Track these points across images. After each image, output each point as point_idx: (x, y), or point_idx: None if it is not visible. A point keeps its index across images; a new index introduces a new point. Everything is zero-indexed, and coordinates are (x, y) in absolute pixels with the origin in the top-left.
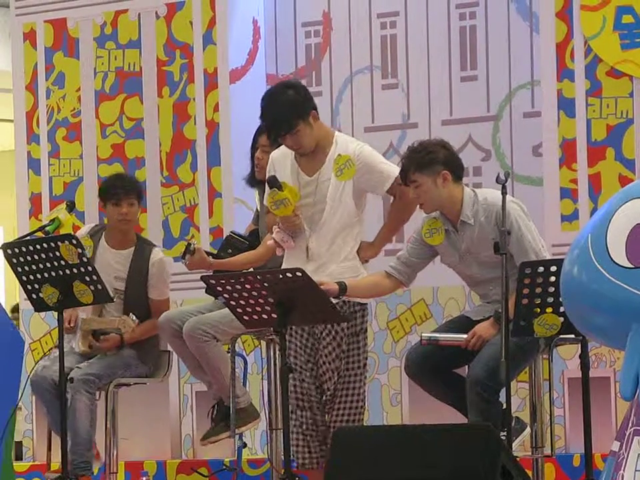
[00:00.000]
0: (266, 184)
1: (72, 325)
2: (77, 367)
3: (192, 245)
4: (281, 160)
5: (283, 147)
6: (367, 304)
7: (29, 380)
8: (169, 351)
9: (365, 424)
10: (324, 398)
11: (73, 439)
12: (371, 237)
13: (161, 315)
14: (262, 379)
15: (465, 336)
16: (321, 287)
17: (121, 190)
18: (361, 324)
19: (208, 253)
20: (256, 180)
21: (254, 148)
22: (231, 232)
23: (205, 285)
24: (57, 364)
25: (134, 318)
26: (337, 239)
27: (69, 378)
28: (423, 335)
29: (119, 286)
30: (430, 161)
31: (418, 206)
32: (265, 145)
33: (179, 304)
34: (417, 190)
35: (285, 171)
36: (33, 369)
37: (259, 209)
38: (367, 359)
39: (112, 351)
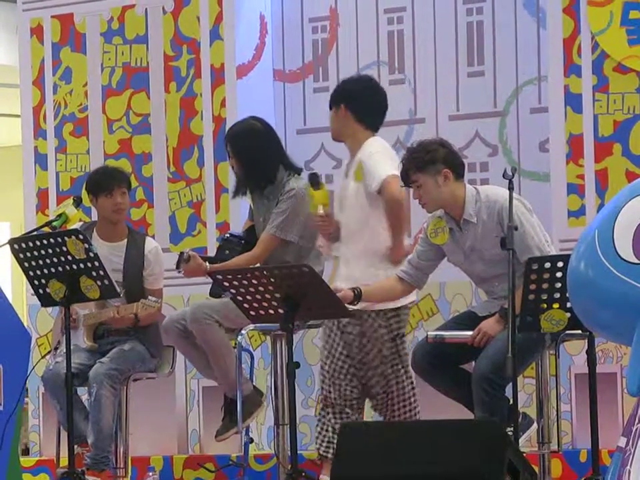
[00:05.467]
0: None
1: (73, 318)
2: (100, 362)
3: (185, 254)
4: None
5: None
6: (401, 307)
7: (40, 377)
8: (173, 346)
9: (372, 419)
10: (375, 402)
11: (96, 434)
12: None
13: (165, 318)
14: (268, 374)
15: (470, 333)
16: (337, 294)
17: (112, 181)
18: (397, 329)
19: (204, 258)
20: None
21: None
22: (227, 233)
23: (212, 280)
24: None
25: (153, 299)
26: (357, 243)
27: (89, 374)
28: (429, 333)
29: (117, 277)
30: (430, 160)
31: (420, 206)
32: (229, 151)
33: (186, 299)
34: (418, 190)
35: (342, 174)
36: (36, 364)
37: (252, 207)
38: (407, 360)
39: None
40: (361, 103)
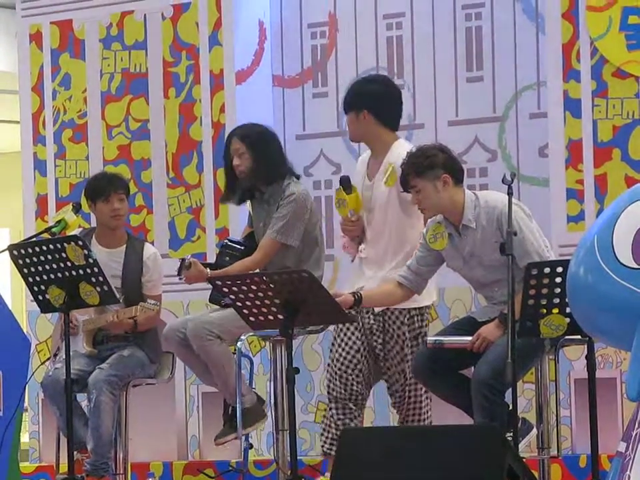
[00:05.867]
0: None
1: (74, 324)
2: (99, 368)
3: (187, 260)
4: (360, 163)
5: (367, 150)
6: (424, 307)
7: (40, 383)
8: (172, 352)
9: (371, 424)
10: (394, 399)
11: (96, 440)
12: None
13: (165, 326)
14: (268, 380)
15: (470, 338)
16: (336, 298)
17: (109, 186)
18: (419, 327)
19: (204, 264)
20: (240, 192)
21: (227, 160)
22: (227, 239)
23: (211, 286)
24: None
25: (152, 302)
26: (388, 246)
27: (89, 380)
28: (428, 338)
29: (115, 284)
30: (429, 165)
31: (420, 211)
32: (237, 147)
33: (185, 305)
34: (417, 195)
35: (358, 175)
36: (35, 370)
37: (251, 213)
38: None
39: (120, 331)
40: (383, 106)
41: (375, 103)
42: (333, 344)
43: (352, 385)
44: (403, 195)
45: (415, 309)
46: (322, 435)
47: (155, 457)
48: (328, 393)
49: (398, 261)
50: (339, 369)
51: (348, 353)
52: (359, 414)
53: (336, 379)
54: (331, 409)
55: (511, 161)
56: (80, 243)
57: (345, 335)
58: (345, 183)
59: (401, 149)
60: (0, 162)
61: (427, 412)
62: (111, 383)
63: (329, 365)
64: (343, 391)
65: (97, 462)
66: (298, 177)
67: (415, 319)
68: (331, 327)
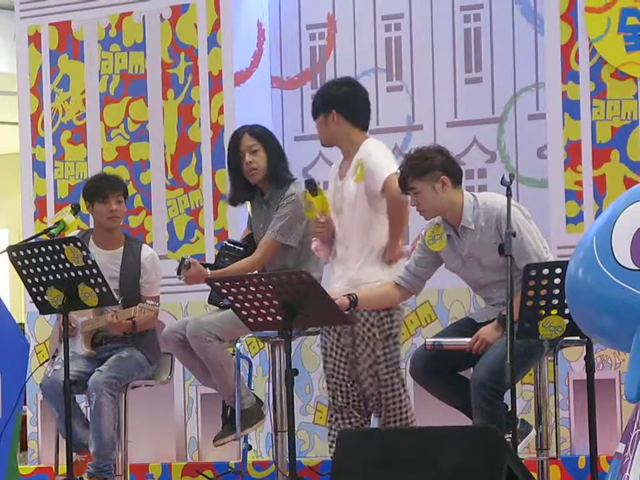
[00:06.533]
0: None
1: (72, 326)
2: (99, 371)
3: (186, 260)
4: (332, 170)
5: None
6: (394, 308)
7: (39, 385)
8: (171, 353)
9: (370, 426)
10: (371, 403)
11: (97, 442)
12: None
13: (164, 328)
14: (267, 381)
15: (469, 340)
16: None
17: (107, 188)
18: (389, 329)
19: (204, 265)
20: (245, 192)
21: (235, 159)
22: (226, 240)
23: (210, 287)
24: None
25: (151, 302)
26: (356, 243)
27: (88, 382)
28: (427, 340)
29: (113, 285)
30: (428, 167)
31: (418, 212)
32: (251, 144)
33: (184, 306)
34: (416, 197)
35: (331, 180)
36: (34, 371)
37: (250, 214)
38: (399, 362)
39: (119, 332)
40: (351, 106)
41: (344, 103)
42: (324, 355)
43: (352, 394)
44: (370, 190)
45: (384, 310)
46: (330, 446)
47: (154, 459)
48: (333, 404)
49: (364, 260)
50: (337, 379)
51: (340, 360)
52: (365, 421)
53: (334, 390)
54: (336, 419)
55: (510, 162)
56: (79, 244)
57: (332, 344)
58: (310, 186)
59: (369, 146)
60: None
61: (408, 412)
62: (111, 385)
63: (327, 376)
64: (343, 402)
65: (100, 464)
66: (294, 179)
67: (385, 320)
68: None
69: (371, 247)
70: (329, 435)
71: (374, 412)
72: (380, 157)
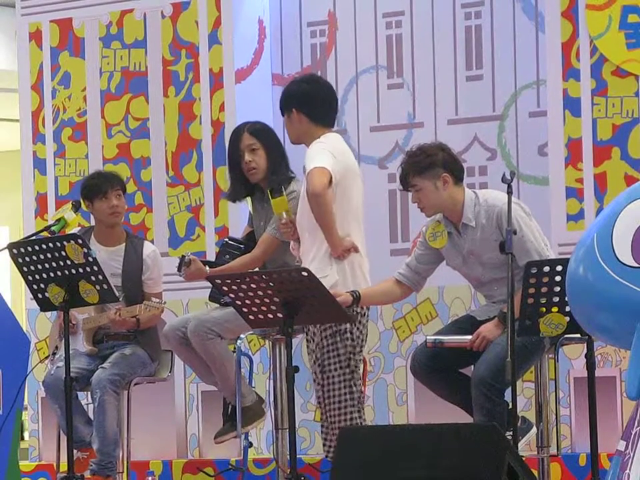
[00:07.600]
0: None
1: (73, 323)
2: (102, 368)
3: (186, 257)
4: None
5: None
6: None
7: (42, 382)
8: (171, 350)
9: (371, 423)
10: (316, 395)
11: (101, 439)
12: (378, 233)
13: (166, 325)
14: (268, 378)
15: (469, 337)
16: (336, 298)
17: (106, 184)
18: (338, 324)
19: (204, 262)
20: (244, 189)
21: (235, 157)
22: (227, 237)
23: (211, 285)
24: (70, 364)
25: (156, 300)
26: (307, 240)
27: (92, 379)
28: (428, 338)
29: (115, 282)
30: (429, 164)
31: (419, 210)
32: (250, 143)
33: (185, 304)
34: (417, 194)
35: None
36: (33, 368)
37: (251, 212)
38: (350, 359)
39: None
40: (310, 103)
41: (303, 101)
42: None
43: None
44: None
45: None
46: (324, 444)
47: (155, 456)
48: (318, 403)
49: (313, 256)
50: (314, 380)
51: (311, 361)
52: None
53: (317, 390)
54: (322, 419)
55: (511, 159)
56: (79, 241)
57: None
58: (273, 188)
59: (318, 141)
60: None
61: (349, 414)
62: (114, 382)
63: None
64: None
65: (103, 461)
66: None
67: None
68: None
69: (318, 243)
70: (321, 432)
71: (317, 404)
72: (314, 152)
